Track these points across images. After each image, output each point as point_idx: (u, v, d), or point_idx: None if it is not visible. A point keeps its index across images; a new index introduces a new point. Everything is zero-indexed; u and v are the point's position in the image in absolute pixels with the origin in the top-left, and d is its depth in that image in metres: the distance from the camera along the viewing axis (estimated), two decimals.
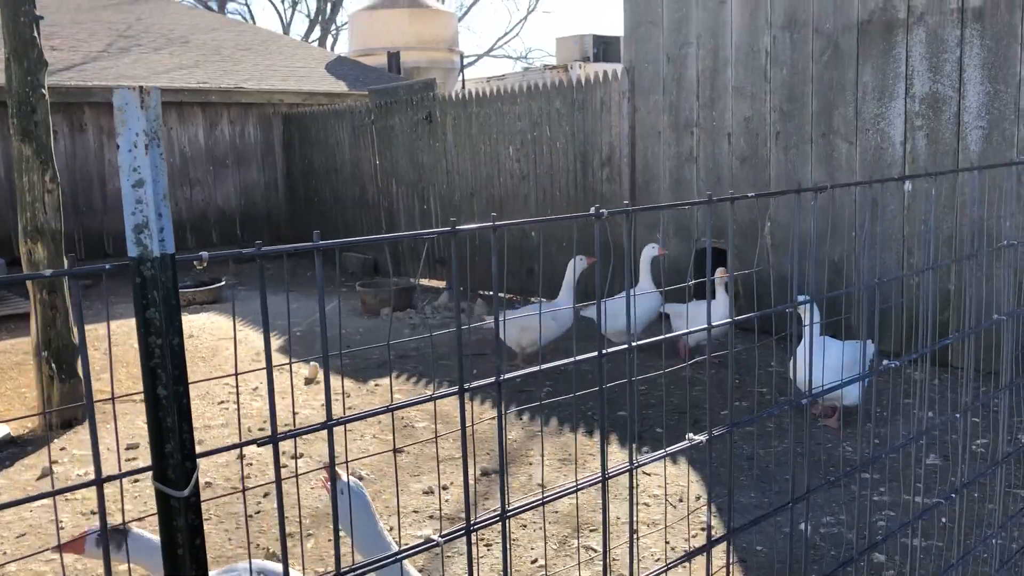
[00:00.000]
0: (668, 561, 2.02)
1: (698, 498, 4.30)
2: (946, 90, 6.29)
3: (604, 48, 19.48)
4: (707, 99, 7.79)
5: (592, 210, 1.31)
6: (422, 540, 1.21)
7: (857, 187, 6.79)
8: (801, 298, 4.96)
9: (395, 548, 2.36)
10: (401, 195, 11.40)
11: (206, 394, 6.36)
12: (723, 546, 1.74)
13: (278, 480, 1.07)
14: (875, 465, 4.46)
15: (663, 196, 8.17)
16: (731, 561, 1.87)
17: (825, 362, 4.40)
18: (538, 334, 6.40)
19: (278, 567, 2.56)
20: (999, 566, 2.88)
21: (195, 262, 0.95)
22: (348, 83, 15.23)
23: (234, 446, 1.07)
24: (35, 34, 5.69)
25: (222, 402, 6.25)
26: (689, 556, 1.66)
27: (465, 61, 23.14)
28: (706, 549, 1.68)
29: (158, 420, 0.91)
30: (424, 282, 10.88)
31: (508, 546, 1.42)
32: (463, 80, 20.57)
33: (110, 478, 0.97)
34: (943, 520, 3.84)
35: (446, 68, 20.89)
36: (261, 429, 5.68)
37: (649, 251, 6.96)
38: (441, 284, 10.68)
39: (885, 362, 2.06)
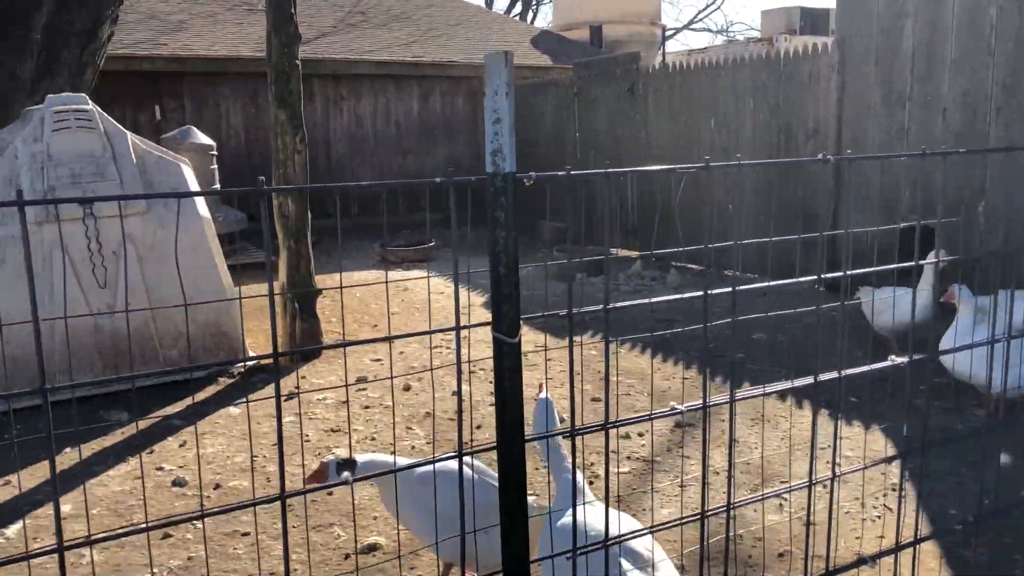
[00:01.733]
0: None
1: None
2: None
3: (811, 20, 18.88)
4: (923, 72, 7.59)
5: (820, 156, 1.58)
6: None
7: None
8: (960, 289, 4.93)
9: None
10: (599, 166, 11.74)
11: (422, 341, 7.02)
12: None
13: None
14: None
15: (870, 173, 8.04)
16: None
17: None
18: (890, 318, 6.04)
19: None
20: None
21: (526, 180, 1.32)
22: (552, 57, 15.69)
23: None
24: (292, 10, 6.44)
25: (436, 346, 6.88)
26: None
27: (666, 34, 23.07)
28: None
29: (499, 288, 1.29)
30: (618, 251, 11.19)
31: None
32: (663, 53, 20.56)
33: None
34: None
35: (647, 41, 20.94)
36: (472, 372, 6.23)
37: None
38: (634, 253, 10.96)
39: None
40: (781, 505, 3.94)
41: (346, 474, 2.88)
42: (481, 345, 6.79)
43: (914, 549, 2.21)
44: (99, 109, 5.95)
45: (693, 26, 40.14)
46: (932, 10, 7.45)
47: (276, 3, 6.36)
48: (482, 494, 2.66)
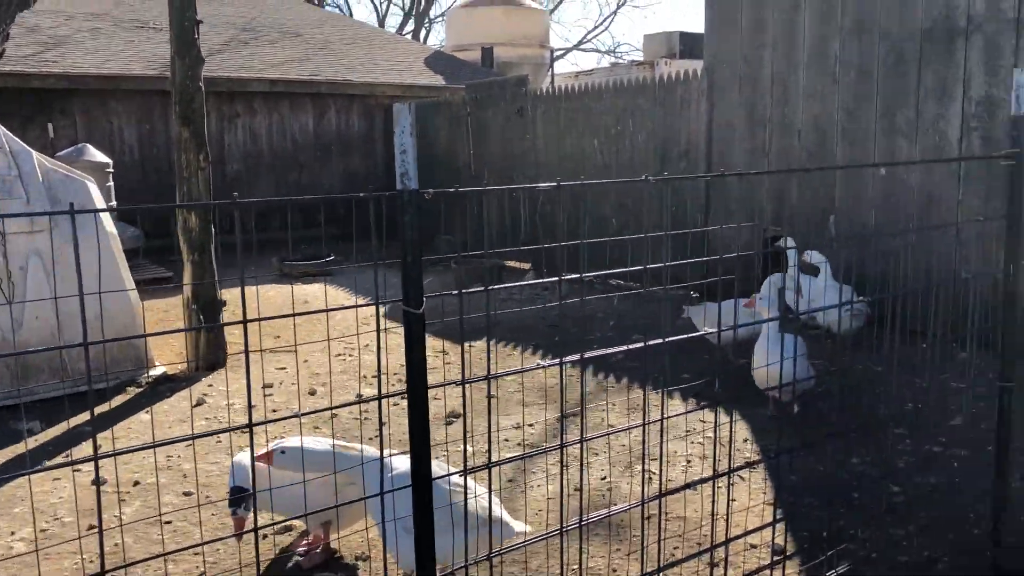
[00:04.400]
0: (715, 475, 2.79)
1: (744, 440, 5.06)
2: (1001, 94, 6.81)
3: (690, 45, 19.98)
4: (780, 98, 8.43)
5: (644, 176, 2.11)
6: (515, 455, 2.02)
7: (916, 183, 7.35)
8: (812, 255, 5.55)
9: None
10: (492, 183, 12.29)
11: (324, 349, 7.36)
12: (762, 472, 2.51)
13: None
14: (903, 422, 5.13)
15: (736, 187, 8.83)
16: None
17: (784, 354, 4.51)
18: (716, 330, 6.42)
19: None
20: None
21: (425, 195, 1.79)
22: (445, 77, 16.21)
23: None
24: (195, 36, 6.73)
25: (338, 354, 7.24)
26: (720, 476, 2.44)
27: (555, 55, 23.94)
28: (733, 471, 2.45)
29: (407, 272, 1.76)
30: (510, 263, 11.75)
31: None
32: (552, 75, 21.39)
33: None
34: (955, 464, 4.51)
35: (536, 63, 21.73)
36: (375, 376, 6.62)
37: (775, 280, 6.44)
38: (526, 266, 11.53)
39: (859, 302, 2.78)
40: (650, 479, 4.51)
41: (240, 510, 3.33)
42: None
43: (728, 477, 2.77)
44: (4, 129, 6.10)
45: (582, 47, 41.40)
46: (787, 43, 8.30)
47: (179, 29, 6.64)
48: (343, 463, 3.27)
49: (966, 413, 5.24)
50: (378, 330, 2.00)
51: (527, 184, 11.52)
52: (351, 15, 39.40)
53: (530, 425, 5.44)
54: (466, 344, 7.47)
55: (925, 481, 4.35)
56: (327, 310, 2.13)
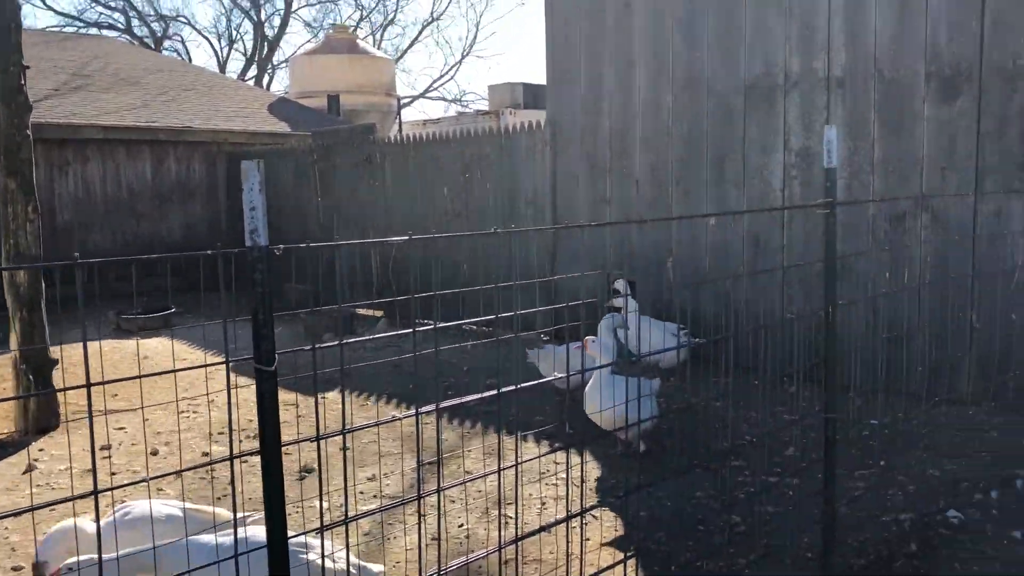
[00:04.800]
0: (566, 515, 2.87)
1: (597, 479, 5.20)
2: (816, 146, 7.41)
3: (534, 96, 20.61)
4: (619, 148, 8.84)
5: (492, 229, 2.19)
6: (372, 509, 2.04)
7: (745, 228, 7.85)
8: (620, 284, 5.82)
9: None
10: (341, 230, 12.19)
11: (167, 406, 7.04)
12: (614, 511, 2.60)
13: None
14: (741, 454, 5.42)
15: (581, 234, 9.15)
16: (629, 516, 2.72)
17: (616, 395, 4.88)
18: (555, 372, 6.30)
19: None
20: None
21: (276, 251, 1.79)
22: (290, 124, 16.01)
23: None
24: (22, 81, 6.40)
25: (182, 412, 6.94)
26: (572, 514, 2.52)
27: (401, 103, 24.12)
28: (580, 514, 2.54)
29: (259, 330, 1.75)
30: (362, 311, 11.65)
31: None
32: (400, 123, 21.52)
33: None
34: (789, 492, 4.81)
35: (383, 111, 21.83)
36: (221, 433, 6.39)
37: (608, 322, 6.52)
38: (379, 313, 11.46)
39: (695, 340, 2.97)
40: (507, 523, 4.56)
41: None
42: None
43: (581, 517, 2.86)
44: None
45: (428, 95, 41.89)
46: (624, 96, 8.73)
47: (4, 75, 6.30)
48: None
49: (797, 444, 5.60)
50: (228, 388, 1.96)
51: (377, 233, 11.50)
52: (190, 60, 38.36)
53: (386, 476, 5.39)
54: (319, 396, 7.34)
55: (763, 510, 4.61)
56: (175, 370, 2.08)
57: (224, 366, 2.19)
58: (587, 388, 5.42)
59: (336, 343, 2.10)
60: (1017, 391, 5.93)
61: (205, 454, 5.97)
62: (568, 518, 2.82)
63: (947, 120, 6.64)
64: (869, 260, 6.90)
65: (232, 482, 2.24)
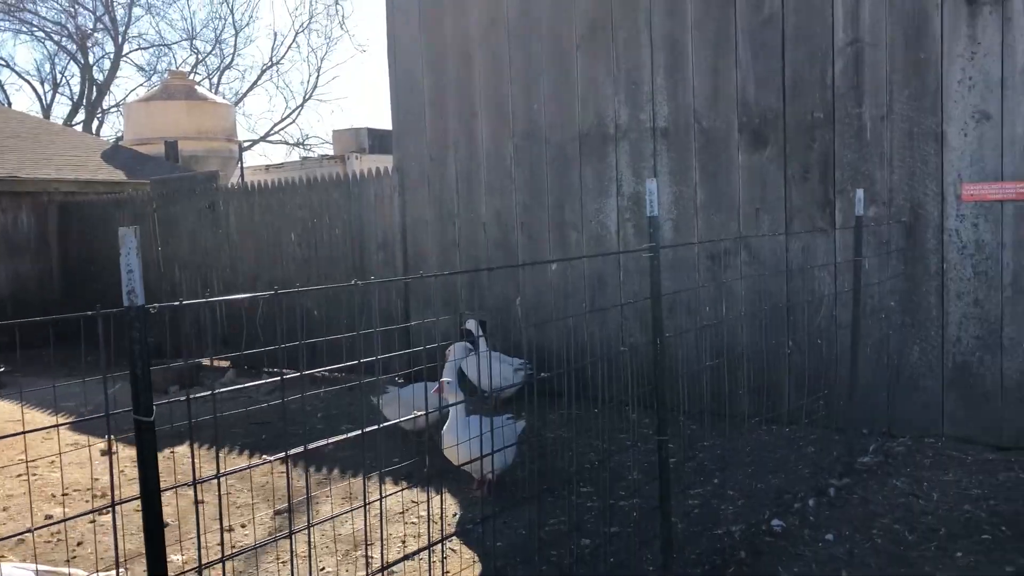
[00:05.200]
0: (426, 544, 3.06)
1: (454, 515, 5.41)
2: (644, 191, 7.98)
3: (380, 140, 20.82)
4: (465, 194, 9.18)
5: (352, 282, 2.39)
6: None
7: (586, 268, 8.33)
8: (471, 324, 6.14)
9: None
10: (184, 280, 11.92)
11: (2, 468, 6.72)
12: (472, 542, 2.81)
13: None
14: (587, 479, 5.77)
15: (432, 278, 9.39)
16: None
17: (472, 435, 5.05)
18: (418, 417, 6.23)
19: None
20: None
21: (151, 309, 1.93)
22: (127, 172, 15.52)
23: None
24: None
25: (20, 475, 6.64)
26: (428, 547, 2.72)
27: (243, 148, 23.75)
28: (442, 540, 2.75)
29: (137, 384, 1.88)
30: (207, 362, 11.40)
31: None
32: (242, 168, 21.18)
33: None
34: (633, 513, 5.17)
35: (224, 156, 21.44)
36: (65, 494, 6.16)
37: (459, 350, 6.77)
38: (226, 364, 11.25)
39: (529, 371, 3.26)
40: (368, 563, 4.68)
41: None
42: (72, 467, 6.72)
43: (441, 549, 3.07)
44: None
45: (270, 139, 41.26)
46: (468, 143, 9.10)
47: None
48: None
49: (638, 466, 6.00)
50: (109, 446, 2.06)
51: (221, 280, 11.34)
52: (9, 104, 36.29)
53: (244, 527, 5.38)
54: (166, 451, 7.18)
55: (608, 530, 4.94)
56: (24, 432, 2.15)
57: (55, 430, 2.27)
58: (444, 428, 5.64)
59: (205, 394, 2.23)
60: (828, 409, 6.58)
61: (48, 516, 5.76)
62: (429, 546, 3.02)
63: (758, 166, 7.35)
64: (697, 293, 7.50)
65: (52, 552, 2.31)
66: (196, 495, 2.44)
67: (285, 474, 4.98)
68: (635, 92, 7.98)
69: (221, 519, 2.69)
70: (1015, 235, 6.22)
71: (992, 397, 6.36)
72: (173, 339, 11.32)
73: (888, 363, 6.75)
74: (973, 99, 6.31)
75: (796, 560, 4.49)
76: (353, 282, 2.71)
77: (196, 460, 2.60)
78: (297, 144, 41.80)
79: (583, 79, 8.28)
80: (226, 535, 5.22)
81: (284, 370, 10.42)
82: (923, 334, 6.65)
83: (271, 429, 7.76)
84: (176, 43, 46.05)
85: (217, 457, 2.75)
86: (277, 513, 5.58)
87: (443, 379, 5.65)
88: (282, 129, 42.30)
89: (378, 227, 9.85)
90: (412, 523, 5.26)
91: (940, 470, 5.85)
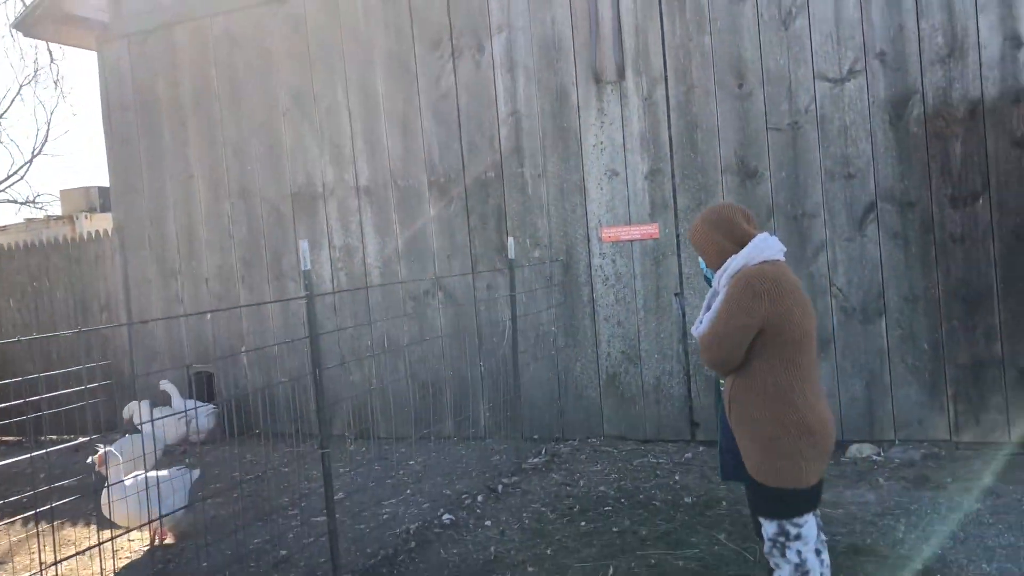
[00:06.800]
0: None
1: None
2: (354, 242, 8.89)
3: (110, 199, 20.32)
4: (187, 252, 9.64)
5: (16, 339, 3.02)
6: None
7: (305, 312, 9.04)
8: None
9: None
10: None
11: None
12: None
13: None
14: (298, 503, 6.48)
15: (158, 331, 9.72)
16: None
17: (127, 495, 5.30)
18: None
19: None
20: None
21: None
22: None
23: None
24: None
25: None
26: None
27: None
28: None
29: None
30: None
31: None
32: None
33: None
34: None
35: None
36: None
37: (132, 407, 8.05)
38: None
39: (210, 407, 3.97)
40: None
41: None
42: None
43: None
44: None
45: None
46: (187, 205, 9.58)
47: None
48: None
49: (310, 479, 6.80)
50: None
51: None
52: None
53: None
54: None
55: (287, 537, 5.68)
56: None
57: None
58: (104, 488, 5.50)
59: None
60: (513, 422, 7.71)
61: None
62: None
63: (447, 218, 8.47)
64: (400, 325, 8.47)
65: None
66: None
67: None
68: (339, 154, 8.89)
69: None
70: (643, 267, 7.71)
71: (636, 400, 7.78)
72: None
73: (558, 378, 8.04)
74: (605, 159, 7.78)
75: (457, 544, 5.47)
76: (77, 330, 3.30)
77: None
78: (26, 203, 39.04)
79: (291, 142, 9.07)
80: None
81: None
82: (583, 352, 7.99)
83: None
84: None
85: None
86: None
87: (105, 449, 5.68)
88: (9, 187, 39.37)
89: (101, 288, 10.05)
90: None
91: (592, 463, 7.11)
